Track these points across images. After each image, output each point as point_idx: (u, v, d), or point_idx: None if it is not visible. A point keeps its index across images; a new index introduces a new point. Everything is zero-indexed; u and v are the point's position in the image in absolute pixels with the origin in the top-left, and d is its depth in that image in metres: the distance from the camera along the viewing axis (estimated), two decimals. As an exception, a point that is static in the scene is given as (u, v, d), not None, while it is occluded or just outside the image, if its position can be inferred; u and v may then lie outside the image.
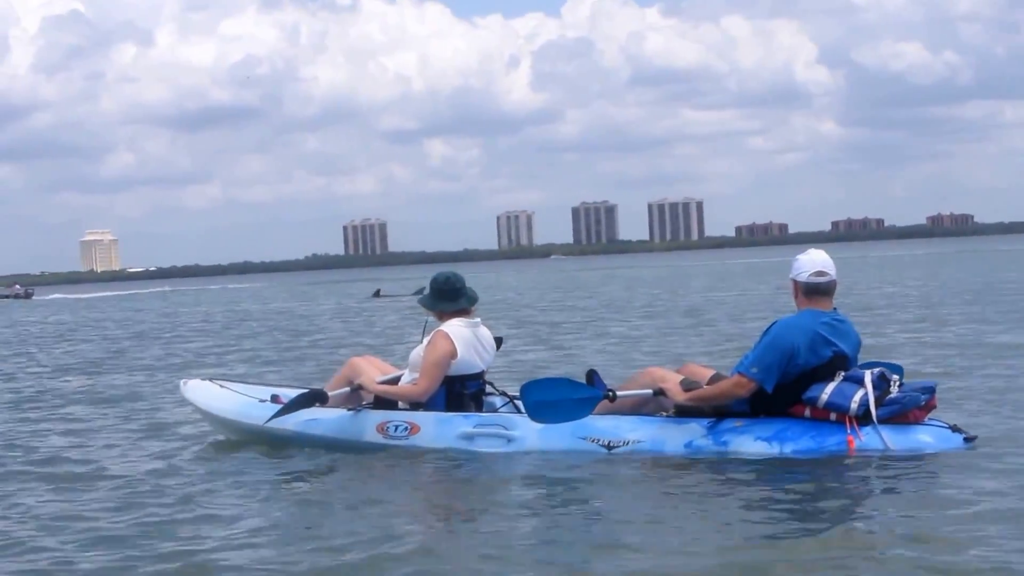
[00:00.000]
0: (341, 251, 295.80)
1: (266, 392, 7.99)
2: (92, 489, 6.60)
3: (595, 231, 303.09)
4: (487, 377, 7.45)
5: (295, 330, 23.69)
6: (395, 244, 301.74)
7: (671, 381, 6.63)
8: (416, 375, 7.22)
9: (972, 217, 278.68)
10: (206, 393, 8.10)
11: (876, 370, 6.33)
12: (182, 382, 8.57)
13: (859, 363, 6.49)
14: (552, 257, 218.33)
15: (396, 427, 7.15)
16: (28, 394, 12.50)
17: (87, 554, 5.19)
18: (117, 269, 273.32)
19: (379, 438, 7.18)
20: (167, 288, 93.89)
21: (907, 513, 5.20)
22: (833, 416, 6.29)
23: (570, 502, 5.82)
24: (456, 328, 7.23)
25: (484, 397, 7.41)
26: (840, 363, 6.37)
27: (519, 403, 7.12)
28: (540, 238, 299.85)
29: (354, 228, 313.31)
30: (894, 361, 6.97)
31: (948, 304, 20.25)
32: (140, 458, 7.61)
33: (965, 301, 20.80)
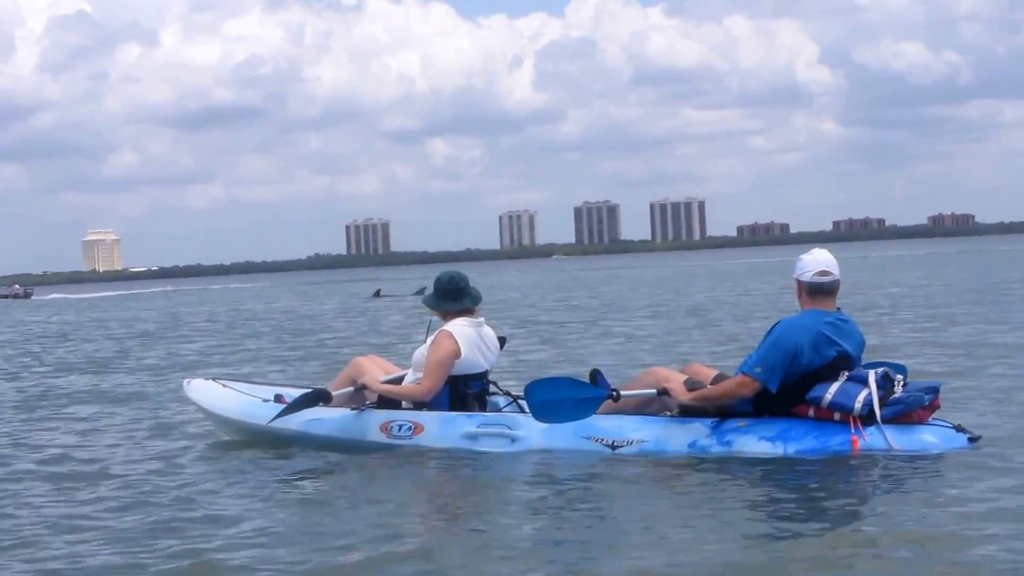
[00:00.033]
0: (344, 251, 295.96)
1: (269, 392, 7.98)
2: (97, 489, 6.60)
3: (597, 231, 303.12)
4: (491, 377, 7.45)
5: (298, 330, 23.70)
6: (397, 244, 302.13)
7: (675, 381, 6.63)
8: (420, 375, 7.22)
9: (973, 217, 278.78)
10: (209, 393, 8.10)
11: (880, 370, 6.33)
12: (185, 381, 8.58)
13: (863, 363, 6.49)
14: (554, 257, 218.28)
15: (400, 427, 7.15)
16: (32, 394, 12.50)
17: (93, 553, 5.19)
18: (120, 269, 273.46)
19: (383, 438, 7.18)
20: (168, 288, 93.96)
21: (911, 513, 5.20)
22: (837, 416, 6.28)
23: (574, 502, 5.82)
24: (460, 328, 7.23)
25: (488, 397, 7.40)
26: (844, 363, 6.36)
27: (523, 403, 7.12)
28: (542, 238, 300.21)
29: (356, 228, 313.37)
30: (898, 361, 6.96)
31: (951, 304, 20.24)
32: (144, 458, 7.60)
33: (968, 301, 20.79)
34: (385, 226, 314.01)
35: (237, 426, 7.86)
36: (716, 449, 6.42)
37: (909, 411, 6.28)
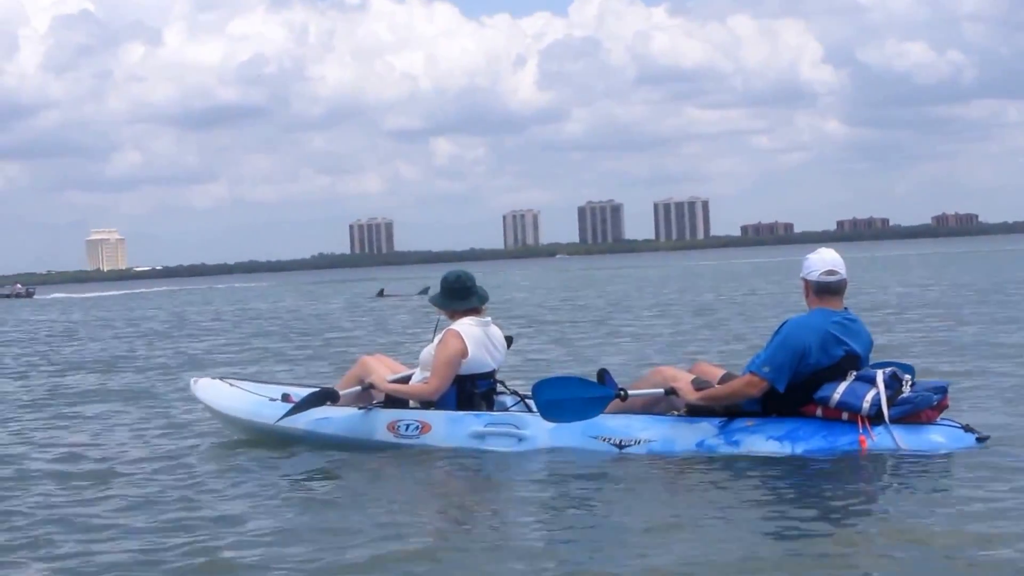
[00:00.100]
0: (347, 250, 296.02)
1: (276, 391, 7.98)
2: (105, 487, 6.60)
3: (601, 230, 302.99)
4: (498, 376, 7.45)
5: (305, 329, 23.71)
6: (401, 243, 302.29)
7: (682, 380, 6.63)
8: (427, 374, 7.22)
9: (977, 217, 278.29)
10: (216, 392, 8.11)
11: (888, 370, 6.32)
12: (192, 380, 8.59)
13: (871, 363, 6.48)
14: (557, 257, 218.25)
15: (407, 426, 7.15)
16: (40, 393, 12.52)
17: (103, 551, 5.20)
18: (123, 268, 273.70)
19: (390, 437, 7.18)
20: (167, 288, 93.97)
21: (920, 512, 5.19)
22: (845, 416, 6.28)
23: (582, 501, 5.82)
24: (467, 327, 7.23)
25: (495, 396, 7.40)
26: (851, 362, 6.36)
27: (530, 402, 7.13)
28: (546, 237, 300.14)
29: (360, 227, 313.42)
30: (905, 361, 6.95)
31: (958, 304, 20.23)
32: (152, 457, 7.61)
33: (974, 301, 20.78)
34: (389, 226, 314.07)
35: (244, 425, 7.86)
36: (724, 449, 6.41)
37: (917, 411, 6.28)
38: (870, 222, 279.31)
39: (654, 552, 4.77)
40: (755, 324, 17.58)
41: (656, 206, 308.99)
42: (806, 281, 6.52)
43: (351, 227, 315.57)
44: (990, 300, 20.66)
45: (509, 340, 7.62)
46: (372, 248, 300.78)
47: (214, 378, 8.45)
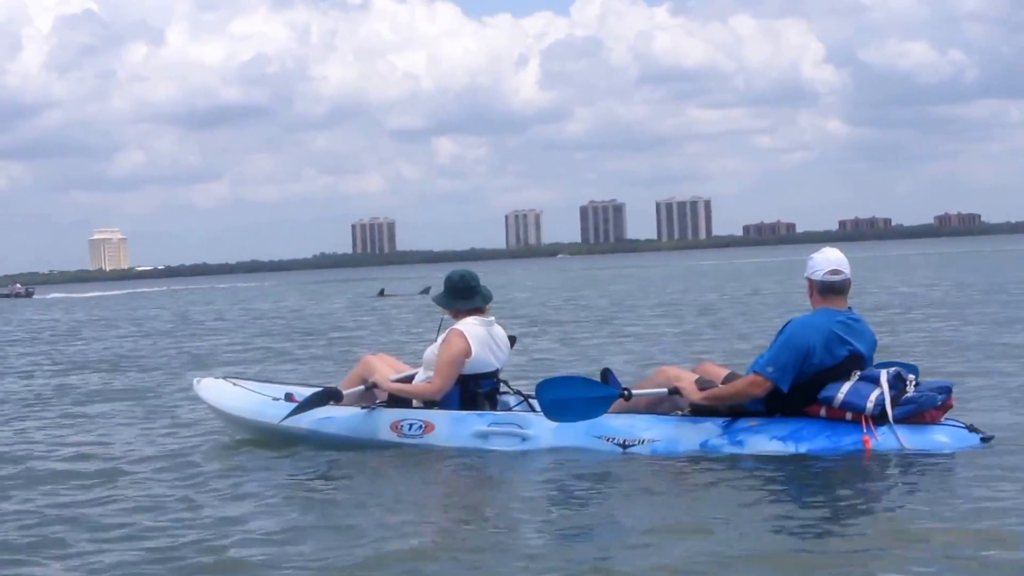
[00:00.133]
0: (349, 250, 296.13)
1: (280, 390, 7.98)
2: (107, 487, 6.60)
3: (603, 230, 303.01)
4: (501, 376, 7.44)
5: (308, 328, 23.73)
6: (403, 243, 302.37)
7: (686, 380, 6.62)
8: (430, 373, 7.22)
9: (979, 216, 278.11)
10: (220, 392, 8.11)
11: (892, 369, 6.31)
12: (195, 380, 8.58)
13: (874, 362, 6.48)
14: (559, 256, 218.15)
15: (410, 425, 7.15)
16: (43, 392, 12.52)
17: (104, 551, 5.20)
18: (126, 268, 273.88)
19: (393, 436, 7.17)
20: (169, 288, 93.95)
21: (923, 512, 5.18)
22: (849, 416, 6.27)
23: (585, 501, 5.82)
24: (471, 326, 7.23)
25: (498, 396, 7.40)
26: (855, 362, 6.35)
27: (533, 402, 7.12)
28: (548, 237, 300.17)
29: (362, 227, 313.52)
30: (909, 361, 6.94)
31: (962, 304, 20.21)
32: (155, 456, 7.61)
33: (978, 301, 20.76)
34: (391, 225, 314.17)
35: (248, 425, 7.86)
36: (727, 449, 6.40)
37: (921, 411, 6.27)
38: (872, 222, 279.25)
39: (658, 552, 4.77)
40: (759, 324, 17.57)
41: (658, 206, 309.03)
42: (810, 280, 6.51)
43: (353, 227, 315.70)
44: (993, 300, 20.64)
45: (512, 340, 7.61)
46: (374, 248, 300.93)
47: (217, 378, 8.45)
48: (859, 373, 6.31)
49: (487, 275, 7.55)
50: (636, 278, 52.11)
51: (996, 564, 4.43)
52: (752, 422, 6.45)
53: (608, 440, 6.65)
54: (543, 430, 6.80)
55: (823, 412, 6.34)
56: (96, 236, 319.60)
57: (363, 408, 7.35)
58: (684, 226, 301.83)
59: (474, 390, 7.22)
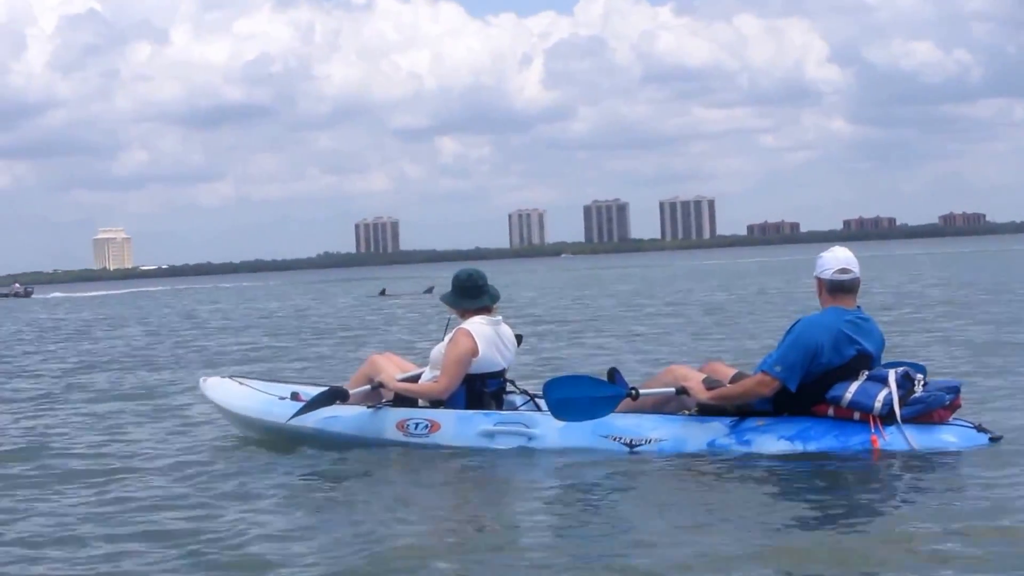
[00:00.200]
0: (353, 249, 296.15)
1: (286, 390, 7.98)
2: (112, 487, 6.61)
3: (607, 229, 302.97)
4: (507, 375, 7.43)
5: (313, 327, 23.75)
6: (406, 242, 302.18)
7: (693, 379, 6.61)
8: (437, 372, 7.21)
9: (984, 216, 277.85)
10: (226, 391, 8.11)
11: (900, 369, 6.30)
12: (201, 379, 8.59)
13: (882, 362, 6.46)
14: (562, 256, 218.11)
15: (416, 425, 7.14)
16: (50, 392, 12.54)
17: (112, 549, 5.20)
18: (129, 267, 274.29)
19: (399, 436, 7.17)
20: (172, 287, 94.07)
21: (931, 512, 5.18)
22: (857, 415, 6.26)
23: (592, 501, 5.81)
24: (478, 326, 7.22)
25: (504, 395, 7.39)
26: (864, 362, 6.34)
27: (539, 401, 7.11)
28: (551, 236, 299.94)
29: (366, 226, 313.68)
30: (917, 360, 6.93)
31: (969, 303, 20.20)
32: (161, 455, 7.61)
33: (985, 300, 20.74)
34: (394, 224, 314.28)
35: (254, 424, 7.85)
36: (735, 448, 6.39)
37: (929, 410, 6.26)
38: (877, 221, 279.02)
39: (666, 551, 4.76)
40: (766, 323, 17.57)
41: (662, 205, 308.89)
42: (819, 280, 6.50)
43: (357, 226, 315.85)
44: (1000, 299, 20.62)
45: (518, 339, 7.60)
46: (378, 247, 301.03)
47: (223, 377, 8.45)
48: (867, 373, 6.30)
49: (491, 275, 7.54)
50: (640, 278, 52.12)
51: (1006, 563, 4.41)
52: (760, 422, 6.44)
53: (615, 440, 6.64)
54: (550, 429, 6.78)
55: (831, 412, 6.33)
56: (100, 235, 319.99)
57: (369, 407, 7.34)
58: (688, 226, 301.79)
59: (480, 389, 7.21)
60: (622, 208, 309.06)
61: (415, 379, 7.40)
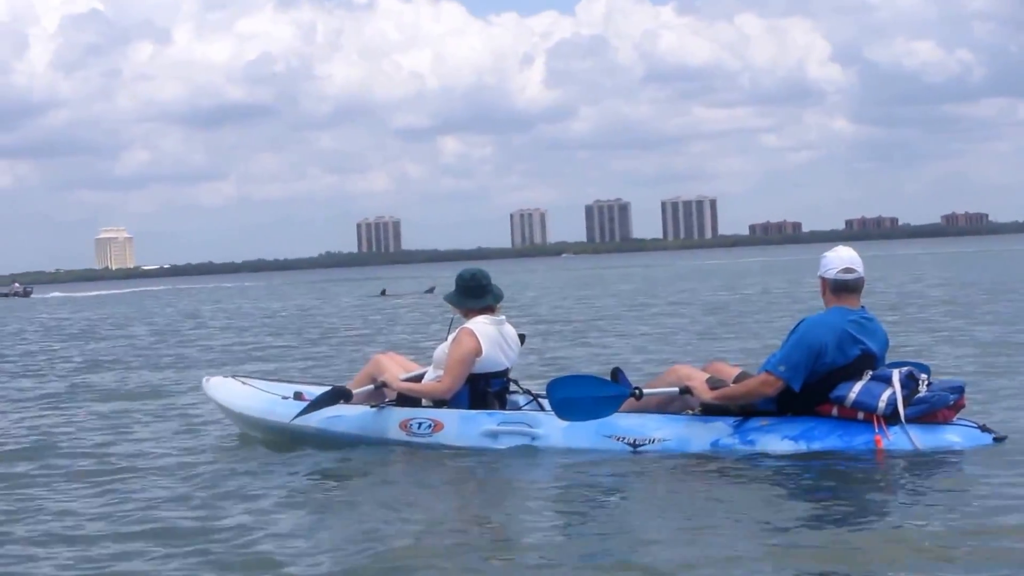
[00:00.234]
0: (355, 249, 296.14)
1: (289, 389, 7.98)
2: (115, 487, 6.61)
3: (608, 229, 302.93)
4: (511, 375, 7.43)
5: (317, 327, 23.75)
6: (408, 242, 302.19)
7: (697, 379, 6.61)
8: (440, 372, 7.21)
9: (987, 216, 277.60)
10: (229, 390, 8.11)
11: (904, 369, 6.30)
12: (204, 379, 8.59)
13: (887, 362, 6.46)
14: (563, 256, 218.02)
15: (420, 424, 7.14)
16: (53, 391, 12.54)
17: (115, 548, 5.20)
18: (131, 267, 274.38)
19: (403, 435, 7.17)
20: (174, 286, 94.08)
21: (935, 512, 5.18)
22: (861, 415, 6.25)
23: (595, 500, 5.81)
24: (481, 325, 7.22)
25: (508, 395, 7.39)
26: (868, 362, 6.33)
27: (542, 401, 7.11)
28: (553, 236, 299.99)
29: (368, 226, 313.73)
30: (921, 360, 6.93)
31: (972, 303, 20.18)
32: (165, 454, 7.62)
33: (989, 300, 20.73)
34: (396, 224, 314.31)
35: (257, 424, 7.86)
36: (739, 448, 6.39)
37: (934, 410, 6.25)
38: (879, 221, 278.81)
39: (669, 551, 4.76)
40: (769, 323, 17.57)
41: (664, 205, 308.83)
42: (823, 279, 6.49)
43: (358, 226, 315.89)
44: (1004, 299, 20.62)
45: (522, 338, 7.60)
46: (379, 247, 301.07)
47: (226, 376, 8.45)
48: (871, 372, 6.30)
49: (492, 275, 7.55)
50: (643, 277, 52.11)
51: (1011, 563, 4.41)
52: (763, 421, 6.44)
53: (619, 439, 6.64)
54: (553, 429, 6.78)
55: (835, 412, 6.33)
56: (102, 235, 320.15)
57: (373, 407, 7.34)
58: (690, 225, 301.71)
59: (484, 389, 7.21)
60: (624, 208, 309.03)
61: (418, 379, 7.40)
